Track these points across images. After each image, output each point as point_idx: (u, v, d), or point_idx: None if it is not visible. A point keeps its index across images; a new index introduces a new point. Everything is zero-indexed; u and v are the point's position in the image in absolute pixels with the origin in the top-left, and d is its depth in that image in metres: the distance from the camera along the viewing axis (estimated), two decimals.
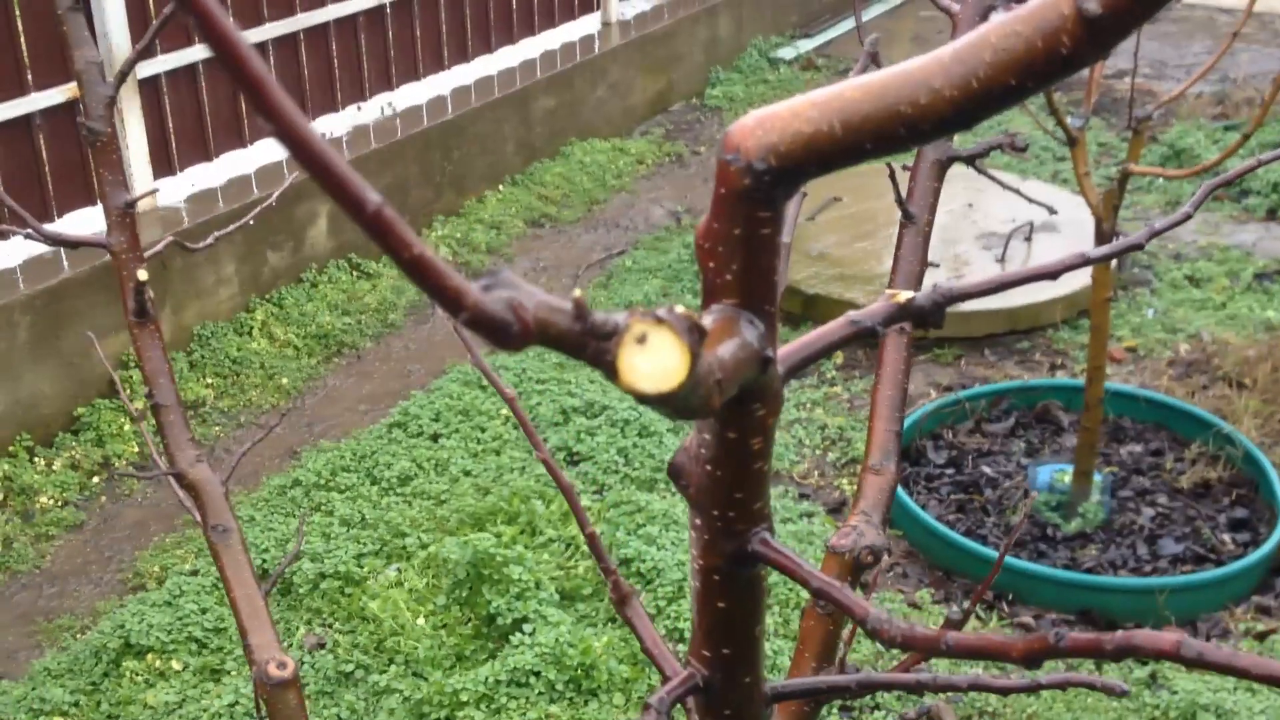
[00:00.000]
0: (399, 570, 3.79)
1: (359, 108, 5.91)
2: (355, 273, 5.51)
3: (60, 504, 4.22)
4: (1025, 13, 0.57)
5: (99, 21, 4.68)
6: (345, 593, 3.73)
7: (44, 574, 3.97)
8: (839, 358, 5.03)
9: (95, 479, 4.34)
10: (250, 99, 0.46)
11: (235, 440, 4.56)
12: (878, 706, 3.37)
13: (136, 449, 4.45)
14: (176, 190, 5.15)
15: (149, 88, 4.99)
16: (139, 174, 4.94)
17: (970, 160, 1.60)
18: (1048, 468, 4.10)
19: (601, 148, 6.78)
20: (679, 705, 0.83)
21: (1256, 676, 0.57)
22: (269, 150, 5.47)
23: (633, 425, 4.42)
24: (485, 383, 4.67)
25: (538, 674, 3.33)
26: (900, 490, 3.94)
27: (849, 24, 8.68)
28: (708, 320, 0.64)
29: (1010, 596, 3.74)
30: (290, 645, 3.56)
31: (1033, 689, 0.79)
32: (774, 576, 3.43)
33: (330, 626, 3.65)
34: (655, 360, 0.55)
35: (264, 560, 3.81)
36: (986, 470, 4.21)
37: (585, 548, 3.82)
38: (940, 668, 3.12)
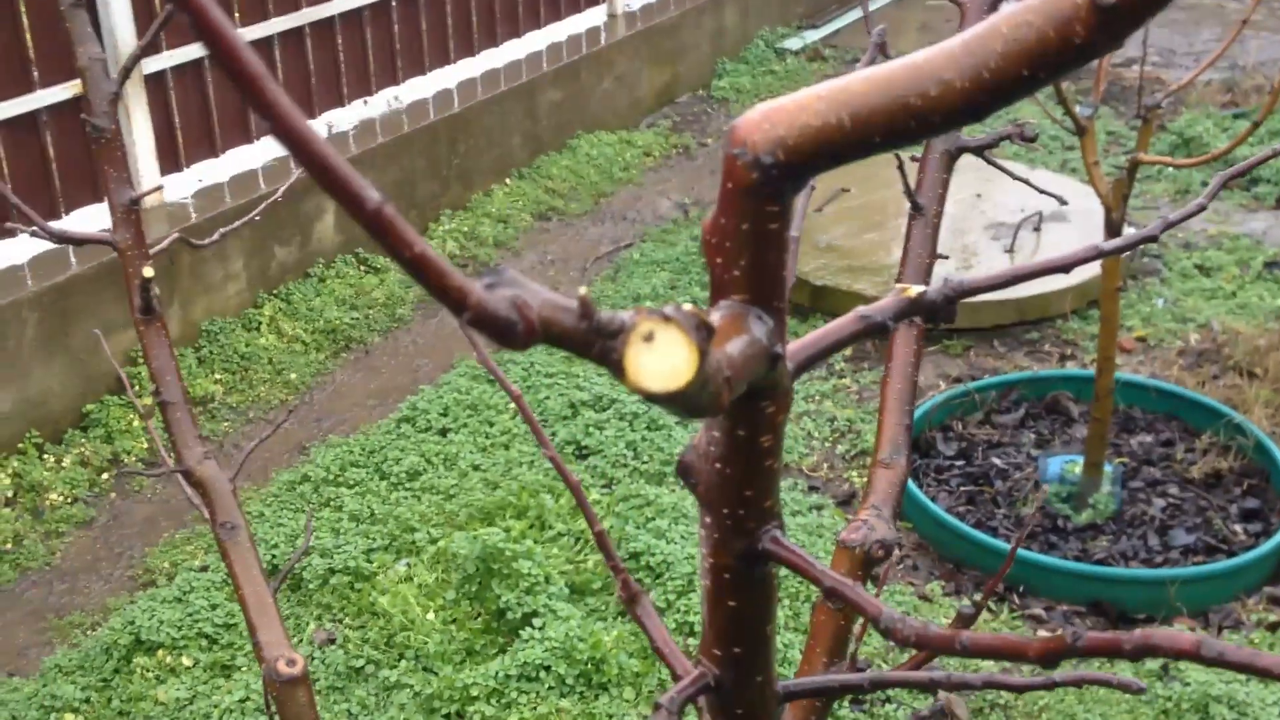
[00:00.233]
0: (408, 565, 3.79)
1: (365, 102, 5.90)
2: (363, 268, 5.51)
3: (70, 501, 4.22)
4: (1037, 2, 0.56)
5: (104, 17, 4.67)
6: (355, 588, 3.72)
7: (54, 571, 3.97)
8: (848, 350, 5.01)
9: (104, 476, 4.35)
10: (247, 97, 0.45)
11: (244, 436, 4.56)
12: (888, 699, 3.36)
13: (145, 445, 4.45)
14: (183, 186, 5.15)
15: (155, 83, 4.98)
16: (145, 170, 4.93)
17: (979, 151, 1.59)
18: (1058, 459, 4.09)
19: (608, 140, 6.77)
20: (690, 704, 0.82)
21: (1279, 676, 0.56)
22: (276, 146, 5.46)
23: (641, 418, 4.41)
24: (493, 377, 4.67)
25: (548, 668, 3.32)
26: (910, 482, 3.93)
27: (855, 14, 8.65)
28: (715, 317, 0.63)
29: (1021, 588, 3.72)
30: (300, 641, 3.56)
31: (1048, 687, 0.78)
32: (784, 570, 3.42)
33: (340, 622, 3.65)
34: (663, 358, 0.54)
35: (273, 556, 3.81)
36: (996, 462, 4.19)
37: (595, 542, 3.82)
38: (953, 664, 3.12)
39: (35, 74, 4.55)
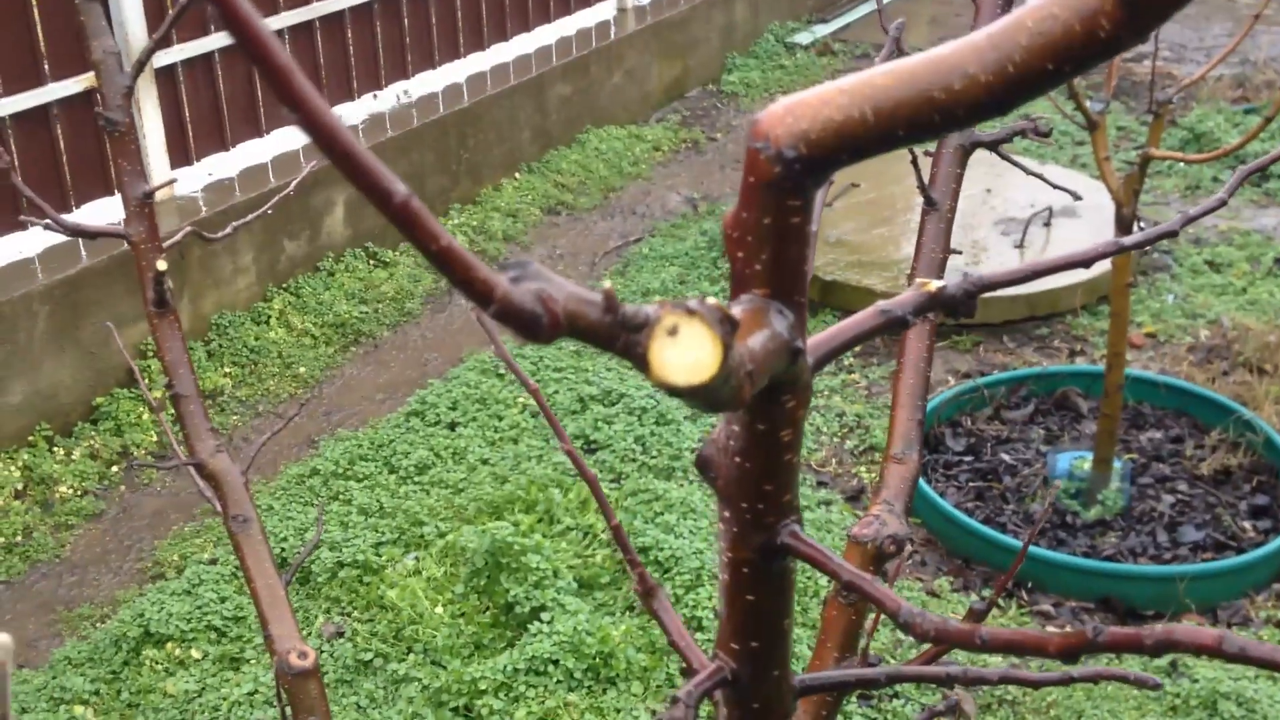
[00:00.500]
0: (417, 559, 3.80)
1: (375, 96, 5.90)
2: (372, 261, 5.51)
3: (80, 493, 4.23)
4: None
5: (115, 11, 4.68)
6: (364, 581, 3.73)
7: (64, 563, 3.98)
8: (856, 345, 5.01)
9: (114, 468, 4.36)
10: (275, 88, 0.45)
11: (253, 429, 4.57)
12: (896, 695, 3.36)
13: (155, 438, 4.46)
14: (194, 180, 5.15)
15: (165, 77, 4.99)
16: (156, 164, 4.94)
17: (993, 145, 1.59)
18: (1067, 455, 4.08)
19: (618, 135, 6.76)
20: (706, 698, 0.82)
21: None
22: (285, 139, 5.47)
23: (650, 413, 4.41)
24: (503, 371, 4.67)
25: (556, 662, 3.33)
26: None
27: (865, 8, 8.64)
28: (737, 311, 0.63)
29: (1029, 584, 3.72)
30: (309, 634, 3.57)
31: (1065, 682, 0.78)
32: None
33: (349, 615, 3.66)
34: (687, 352, 0.54)
35: (283, 549, 3.82)
36: (1005, 458, 4.19)
37: (603, 536, 3.82)
38: (963, 658, 3.11)
39: (46, 67, 4.55)
